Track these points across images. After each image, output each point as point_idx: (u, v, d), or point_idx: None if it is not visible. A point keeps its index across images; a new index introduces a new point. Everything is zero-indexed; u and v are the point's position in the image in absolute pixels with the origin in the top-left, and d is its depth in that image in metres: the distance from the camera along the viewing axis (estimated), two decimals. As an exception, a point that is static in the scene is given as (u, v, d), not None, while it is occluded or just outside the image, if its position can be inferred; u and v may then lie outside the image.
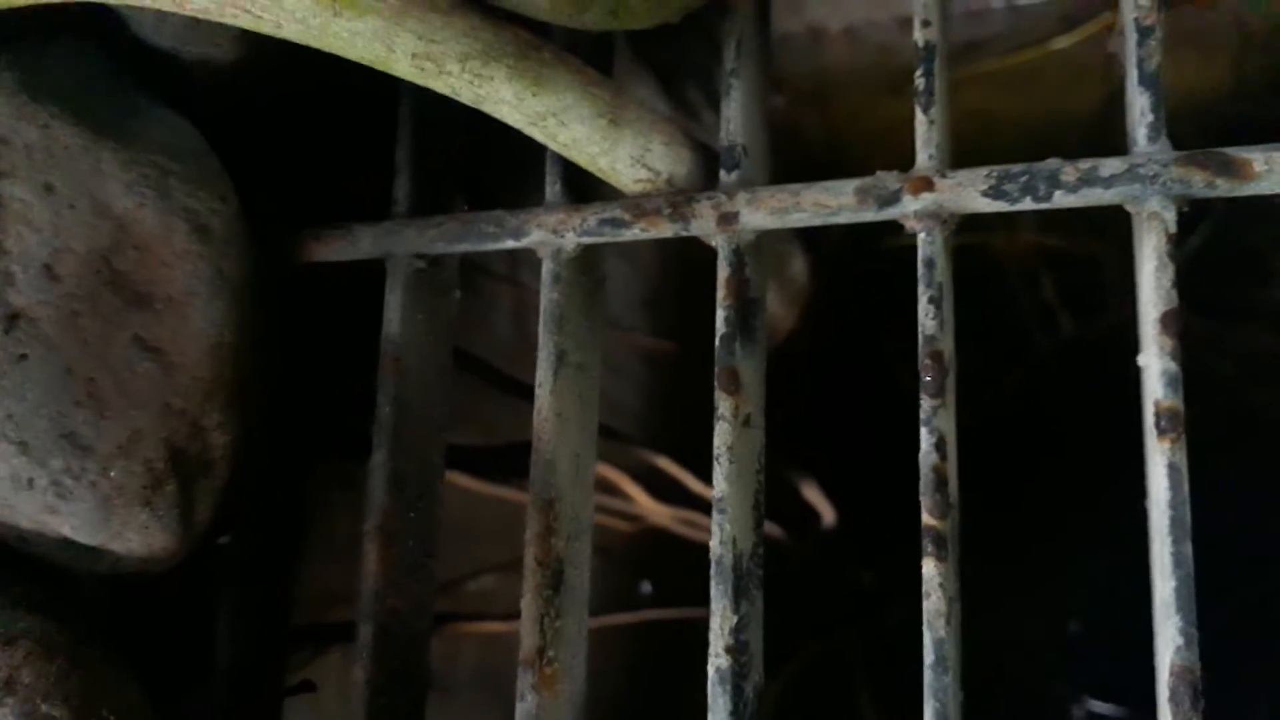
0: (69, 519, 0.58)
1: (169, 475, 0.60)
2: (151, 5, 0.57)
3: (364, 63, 0.56)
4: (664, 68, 0.84)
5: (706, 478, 1.33)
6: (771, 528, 1.15)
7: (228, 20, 0.55)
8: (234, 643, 0.68)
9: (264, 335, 0.66)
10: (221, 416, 0.63)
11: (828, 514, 1.54)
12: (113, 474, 0.58)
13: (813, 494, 1.49)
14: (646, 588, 1.41)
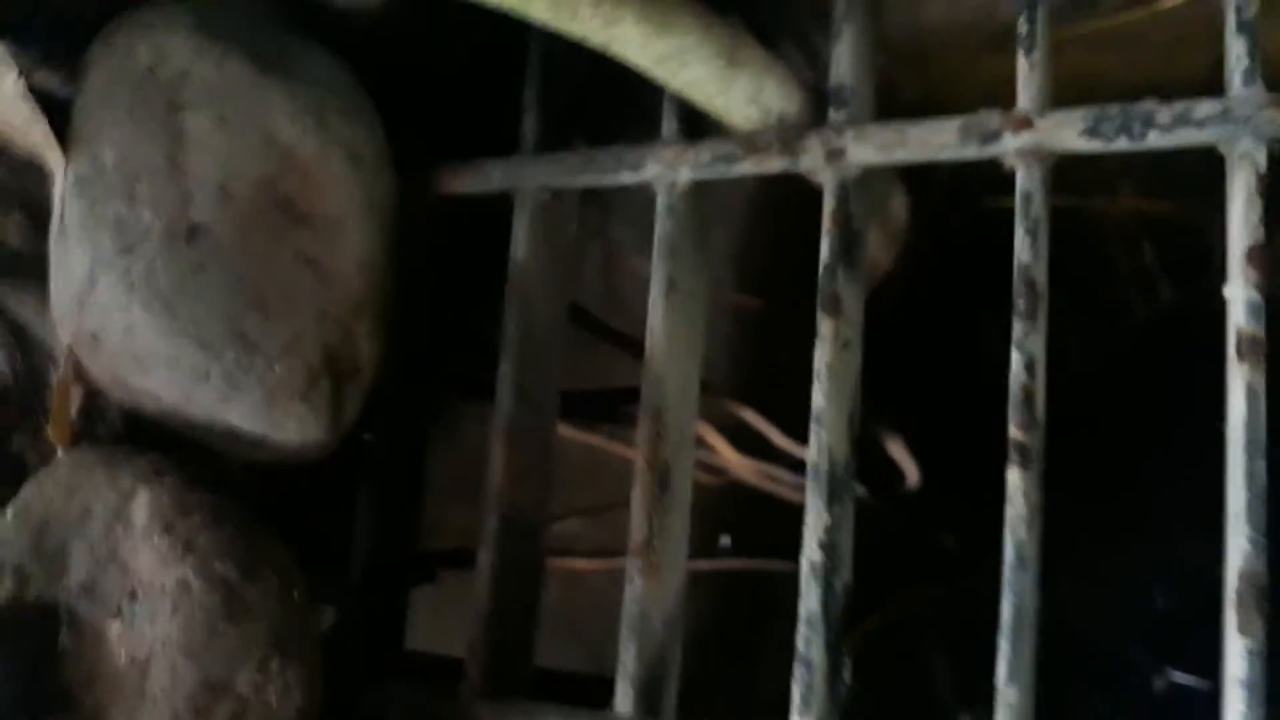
0: (238, 407, 0.65)
1: (324, 374, 0.67)
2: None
3: (504, 8, 0.62)
4: (763, 30, 0.87)
5: (791, 433, 1.36)
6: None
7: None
8: (371, 532, 0.76)
9: (407, 259, 0.73)
10: (370, 326, 0.70)
11: (912, 474, 1.55)
12: (277, 369, 0.65)
13: (899, 452, 1.50)
14: (726, 541, 1.46)
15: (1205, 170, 0.61)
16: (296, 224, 0.68)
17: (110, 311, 0.64)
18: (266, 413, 0.66)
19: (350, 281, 0.69)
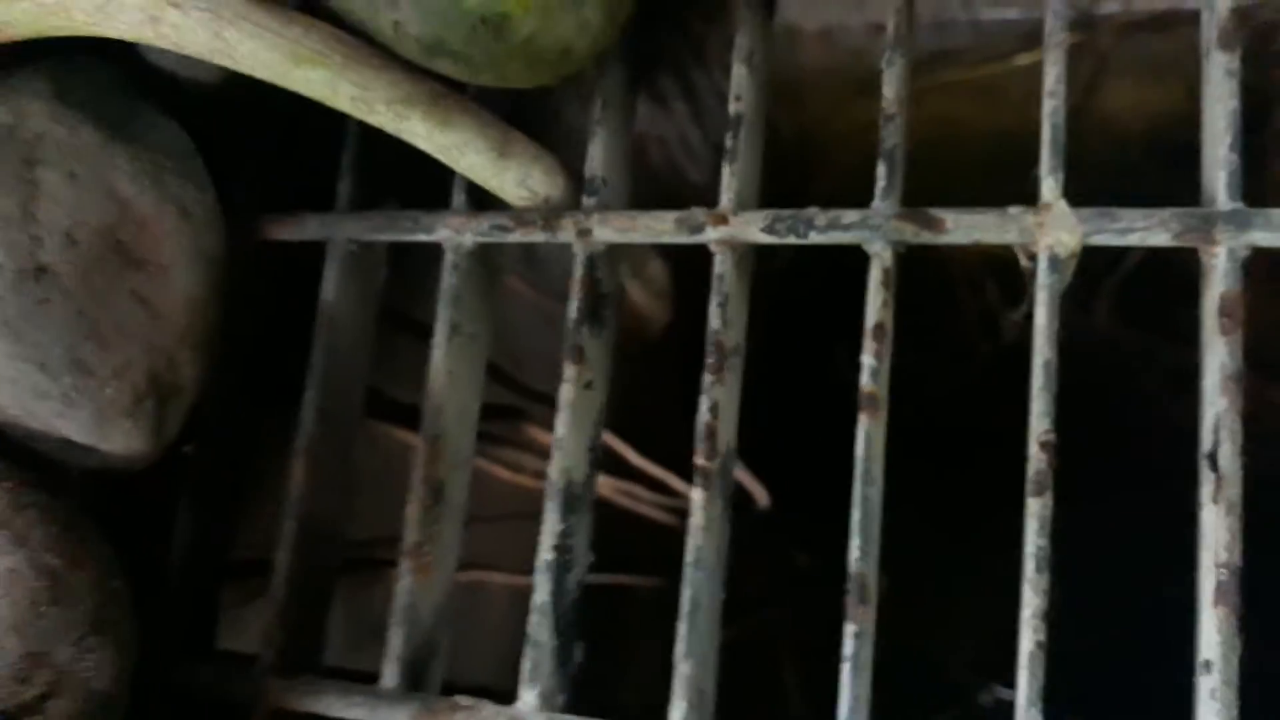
0: (72, 423, 0.77)
1: (148, 395, 0.79)
2: (156, 44, 0.76)
3: (315, 99, 0.76)
4: (641, 60, 0.92)
5: (647, 453, 1.50)
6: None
7: (216, 61, 0.75)
8: (189, 533, 0.88)
9: (234, 295, 0.86)
10: (191, 355, 0.82)
11: (761, 496, 1.68)
12: (108, 391, 0.78)
13: (744, 476, 1.62)
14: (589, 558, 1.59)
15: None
16: (132, 267, 0.80)
17: (-37, 336, 0.75)
18: (97, 427, 0.78)
19: (177, 317, 0.81)
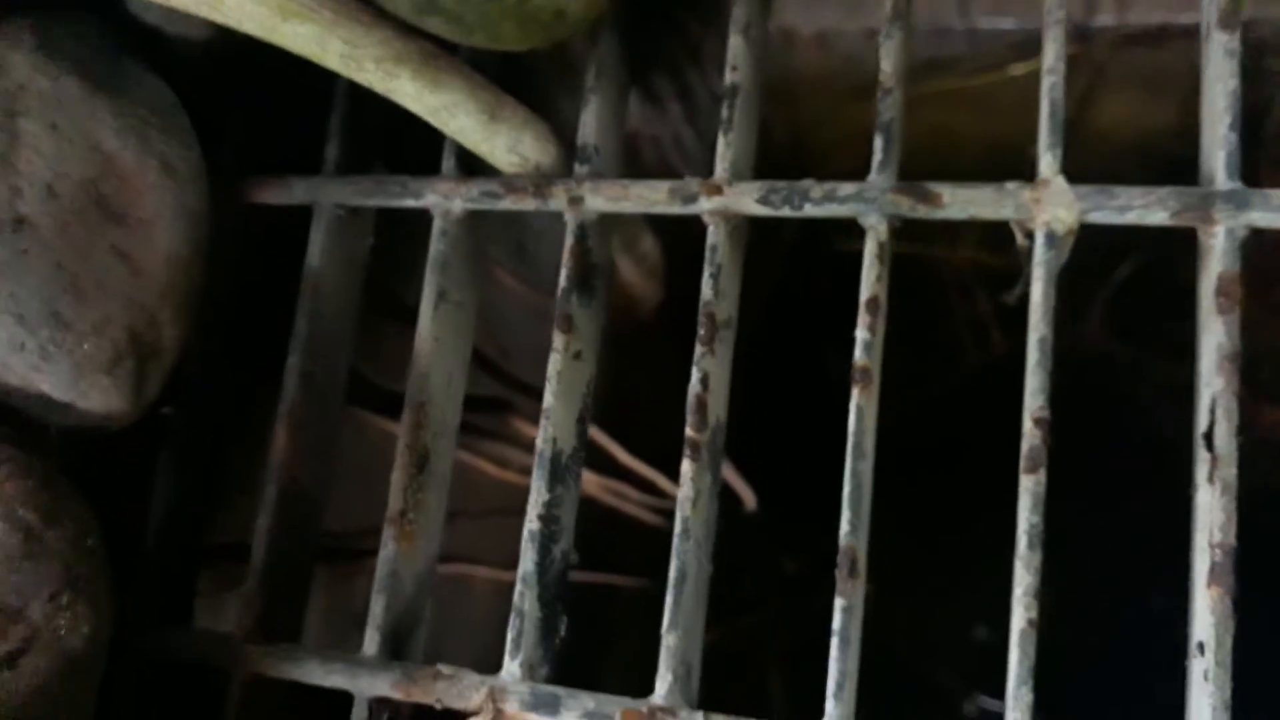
0: (49, 377, 0.76)
1: (128, 353, 0.78)
2: (145, -4, 0.75)
3: (303, 56, 0.75)
4: (639, 60, 0.91)
5: (635, 450, 1.48)
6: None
7: (202, 15, 0.73)
8: (167, 495, 0.87)
9: (218, 258, 0.85)
10: (173, 314, 0.81)
11: (749, 498, 1.66)
12: (85, 346, 0.76)
13: (733, 478, 1.60)
14: (573, 556, 1.57)
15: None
16: (113, 221, 0.79)
17: (-61, 286, 0.73)
18: (75, 383, 0.76)
19: (158, 274, 0.80)
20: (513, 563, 0.76)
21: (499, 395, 1.31)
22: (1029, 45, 1.10)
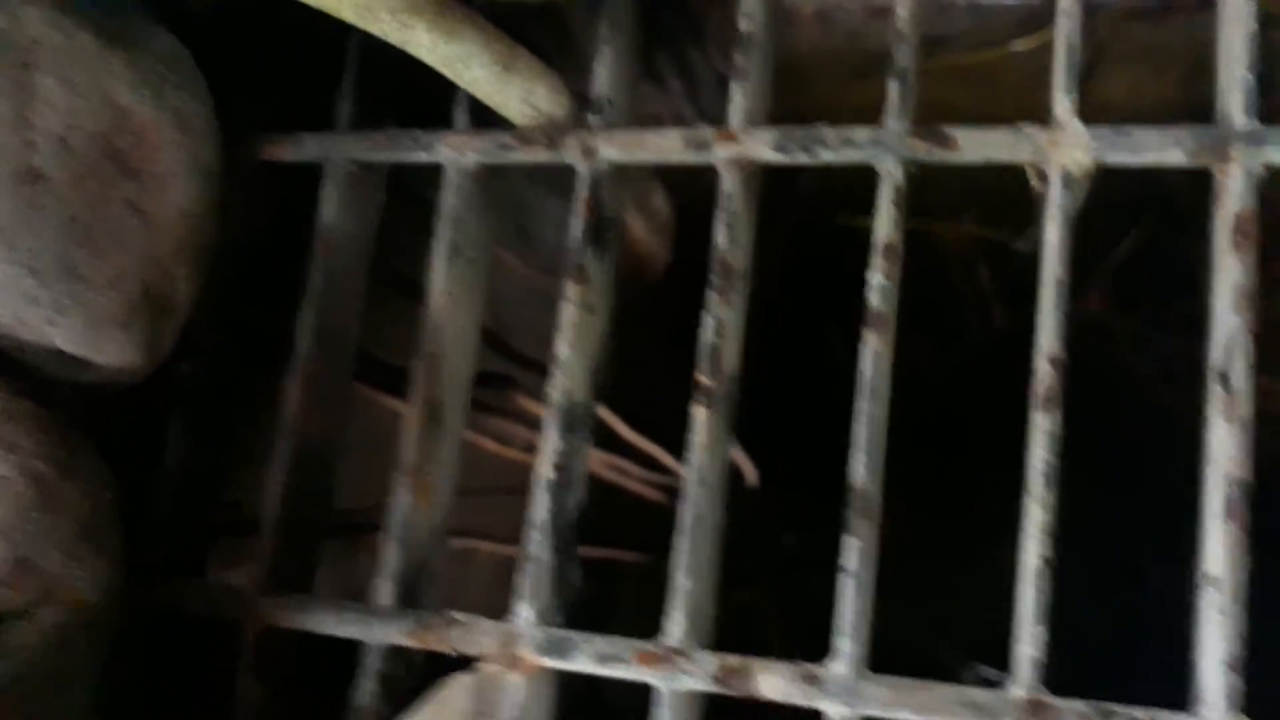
0: (64, 330, 0.76)
1: (142, 308, 0.78)
2: (159, -54, 0.75)
3: (317, 7, 0.74)
4: (642, 38, 0.91)
5: (638, 426, 1.48)
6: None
7: (216, -36, 0.73)
8: (181, 450, 0.87)
9: (231, 214, 0.85)
10: (188, 270, 0.81)
11: (751, 474, 1.65)
12: (100, 300, 0.76)
13: (736, 454, 1.59)
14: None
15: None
16: (127, 176, 0.79)
17: (-46, 238, 0.73)
18: (89, 337, 0.77)
19: (172, 229, 0.80)
20: (516, 540, 0.76)
21: (503, 371, 1.31)
22: (1031, 21, 1.10)
